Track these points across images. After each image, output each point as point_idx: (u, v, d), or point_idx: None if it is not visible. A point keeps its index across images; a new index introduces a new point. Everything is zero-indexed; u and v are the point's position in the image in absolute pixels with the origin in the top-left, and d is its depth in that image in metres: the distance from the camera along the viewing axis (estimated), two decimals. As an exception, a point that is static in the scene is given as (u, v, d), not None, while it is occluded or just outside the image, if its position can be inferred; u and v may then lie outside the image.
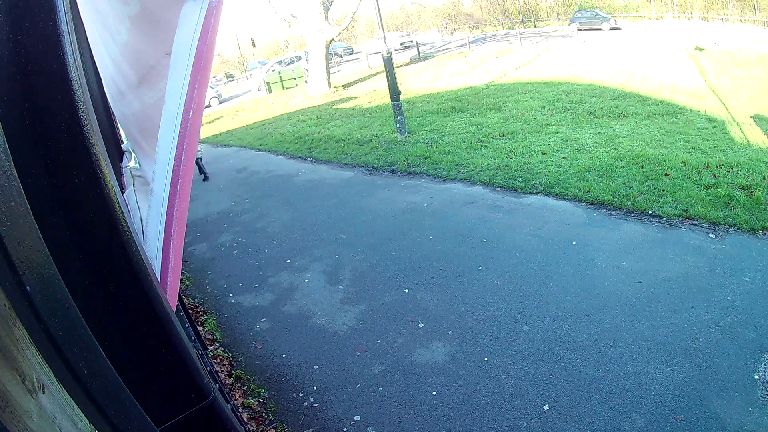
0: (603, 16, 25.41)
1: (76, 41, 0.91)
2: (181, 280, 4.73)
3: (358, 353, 3.38)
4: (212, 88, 24.57)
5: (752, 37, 17.61)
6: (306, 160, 8.99)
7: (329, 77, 17.58)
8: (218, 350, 3.64)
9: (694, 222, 4.31)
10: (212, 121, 17.23)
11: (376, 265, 4.51)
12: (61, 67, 0.76)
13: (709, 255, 3.79)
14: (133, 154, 1.78)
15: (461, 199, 5.68)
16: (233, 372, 3.37)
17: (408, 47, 26.86)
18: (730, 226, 4.14)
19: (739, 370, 2.67)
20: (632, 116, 8.46)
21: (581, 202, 5.06)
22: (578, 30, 21.52)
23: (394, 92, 8.61)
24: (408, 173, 6.98)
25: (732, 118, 8.04)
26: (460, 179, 6.32)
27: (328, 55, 18.42)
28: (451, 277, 4.06)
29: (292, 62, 25.18)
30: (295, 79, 22.02)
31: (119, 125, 2.07)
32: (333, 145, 9.38)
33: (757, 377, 2.61)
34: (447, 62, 18.17)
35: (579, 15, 26.01)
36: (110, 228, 0.83)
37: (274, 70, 23.74)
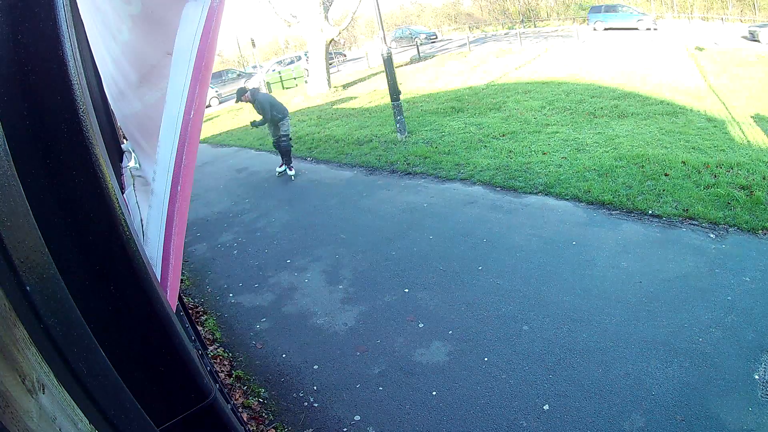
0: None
1: (76, 41, 0.91)
2: (181, 280, 4.73)
3: (358, 353, 3.38)
4: (212, 87, 24.58)
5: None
6: (306, 160, 8.99)
7: (329, 77, 17.56)
8: (218, 350, 3.64)
9: (694, 222, 4.31)
10: (212, 121, 17.21)
11: (376, 265, 4.51)
12: (61, 67, 0.76)
13: (709, 255, 3.79)
14: (133, 154, 1.77)
15: (461, 199, 5.68)
16: (233, 372, 3.37)
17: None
18: (730, 226, 4.14)
19: (739, 370, 2.67)
20: (632, 116, 8.45)
21: (581, 202, 5.06)
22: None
23: (394, 92, 8.60)
24: (408, 173, 6.97)
25: (732, 117, 8.04)
26: (460, 179, 6.32)
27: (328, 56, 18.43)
28: (451, 277, 4.06)
29: (292, 62, 25.20)
30: (295, 79, 22.01)
31: (119, 125, 2.06)
32: (333, 145, 9.37)
33: (757, 377, 2.61)
34: (447, 62, 18.16)
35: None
36: (110, 228, 0.83)
37: (274, 71, 23.75)
